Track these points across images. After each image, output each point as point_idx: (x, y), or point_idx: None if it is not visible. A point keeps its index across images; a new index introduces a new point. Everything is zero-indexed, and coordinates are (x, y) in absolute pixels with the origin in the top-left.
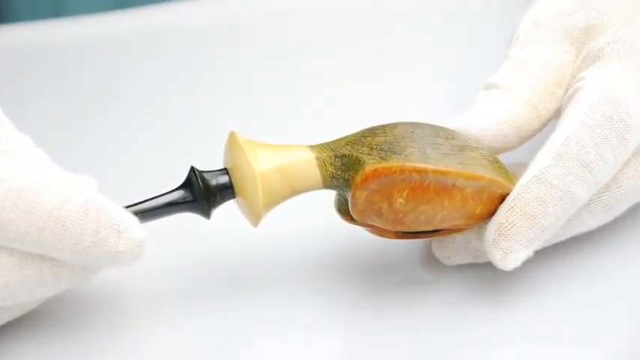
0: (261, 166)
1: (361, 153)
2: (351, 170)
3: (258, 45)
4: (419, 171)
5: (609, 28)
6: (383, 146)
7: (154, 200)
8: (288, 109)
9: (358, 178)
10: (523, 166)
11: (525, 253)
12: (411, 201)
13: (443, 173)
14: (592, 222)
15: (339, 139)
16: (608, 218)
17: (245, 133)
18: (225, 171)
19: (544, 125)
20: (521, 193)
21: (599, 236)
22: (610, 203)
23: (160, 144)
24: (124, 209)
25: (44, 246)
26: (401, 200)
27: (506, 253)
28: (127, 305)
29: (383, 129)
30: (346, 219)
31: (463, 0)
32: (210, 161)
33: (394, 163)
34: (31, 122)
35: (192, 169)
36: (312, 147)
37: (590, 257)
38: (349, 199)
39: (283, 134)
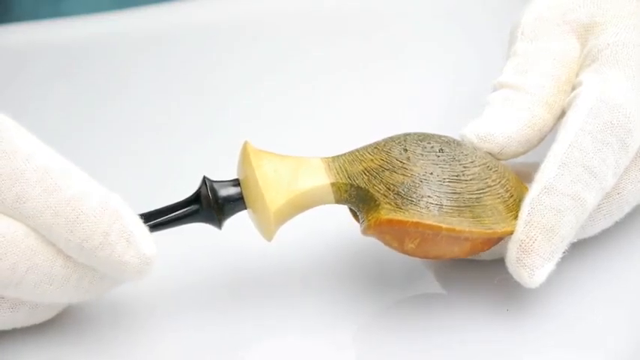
0: (275, 203)
1: (377, 191)
2: (366, 204)
3: (259, 44)
4: (433, 228)
5: (610, 28)
6: (400, 190)
7: (163, 211)
8: (290, 108)
9: (372, 220)
10: (525, 167)
11: (549, 267)
12: (422, 247)
13: (456, 232)
14: (593, 230)
15: (356, 157)
16: (609, 224)
17: (246, 131)
18: (237, 181)
19: (557, 122)
20: (536, 206)
21: (601, 239)
22: (612, 210)
23: (160, 143)
24: (143, 222)
25: (55, 232)
26: (412, 245)
27: (532, 270)
28: (128, 310)
29: (402, 162)
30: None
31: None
32: (209, 160)
33: (409, 218)
34: (32, 121)
35: (204, 179)
36: (328, 165)
37: (592, 260)
38: (360, 227)
39: (285, 133)
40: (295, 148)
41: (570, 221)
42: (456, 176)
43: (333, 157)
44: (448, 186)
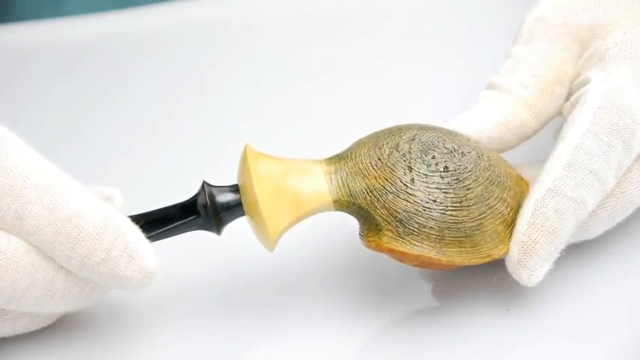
0: (278, 229)
1: (379, 216)
2: (366, 221)
3: (259, 44)
4: (432, 260)
5: (618, 29)
6: (403, 217)
7: (161, 212)
8: (290, 108)
9: (373, 243)
10: (528, 167)
11: (547, 267)
12: (420, 266)
13: (455, 263)
14: (597, 230)
15: (359, 170)
16: (612, 224)
17: (247, 130)
18: (236, 187)
19: (544, 124)
20: (539, 208)
21: (601, 239)
22: (615, 210)
23: (160, 143)
24: (143, 235)
25: (57, 250)
26: (410, 264)
27: (532, 271)
28: (128, 313)
29: (405, 185)
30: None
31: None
32: (209, 159)
33: (410, 250)
34: (32, 121)
35: (204, 184)
36: (330, 178)
37: (593, 259)
38: (359, 236)
39: (286, 132)
40: (296, 147)
41: (571, 223)
42: (459, 202)
43: (335, 166)
44: (451, 215)
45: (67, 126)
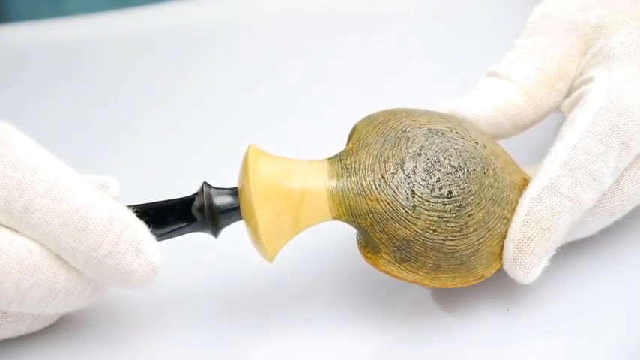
0: (276, 249)
1: (379, 239)
2: (364, 237)
3: (259, 44)
4: (427, 285)
5: (623, 29)
6: (401, 244)
7: (157, 219)
8: (290, 108)
9: (370, 261)
10: (530, 168)
11: (543, 264)
12: (418, 284)
13: (449, 287)
14: (594, 226)
15: (361, 188)
16: (609, 222)
17: (246, 130)
18: (235, 190)
19: (541, 117)
20: (535, 206)
21: (600, 238)
22: (613, 207)
23: (160, 143)
24: (148, 230)
25: (63, 242)
26: (407, 282)
27: (528, 269)
28: (129, 315)
29: (406, 212)
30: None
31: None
32: (209, 159)
33: (406, 276)
34: (30, 121)
35: (203, 185)
36: (332, 194)
37: (592, 258)
38: (357, 247)
39: (286, 132)
40: (296, 146)
41: (566, 221)
42: (459, 231)
43: (338, 179)
44: (449, 245)
45: (65, 127)
